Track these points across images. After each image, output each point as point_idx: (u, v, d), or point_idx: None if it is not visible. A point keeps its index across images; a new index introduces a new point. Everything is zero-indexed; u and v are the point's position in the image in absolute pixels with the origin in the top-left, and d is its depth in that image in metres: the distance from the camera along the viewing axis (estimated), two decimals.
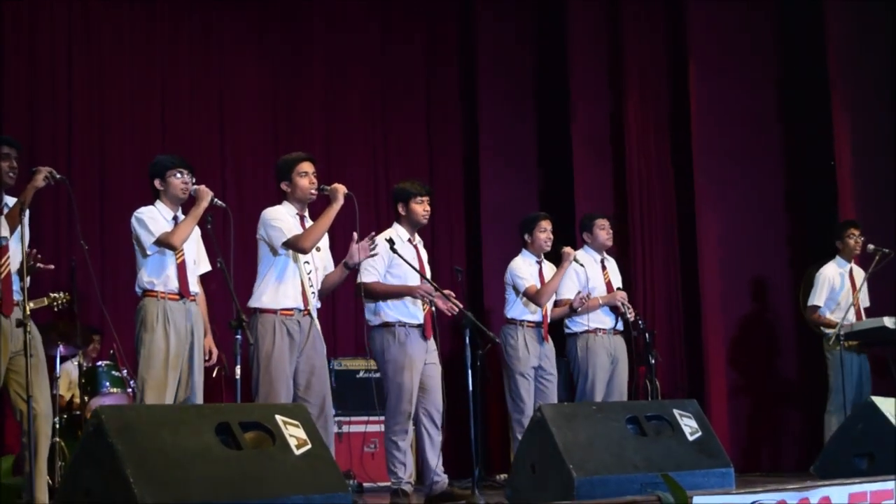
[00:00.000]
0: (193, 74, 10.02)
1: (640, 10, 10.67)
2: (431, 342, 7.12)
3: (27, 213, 5.98)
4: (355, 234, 6.54)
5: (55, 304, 7.61)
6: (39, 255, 6.31)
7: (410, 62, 11.08)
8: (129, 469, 3.87)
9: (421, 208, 7.17)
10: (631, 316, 8.35)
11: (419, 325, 7.07)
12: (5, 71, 9.15)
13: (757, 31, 10.48)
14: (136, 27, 9.81)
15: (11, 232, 5.89)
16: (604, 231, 8.49)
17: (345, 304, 9.82)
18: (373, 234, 6.63)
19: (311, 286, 6.53)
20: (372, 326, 7.12)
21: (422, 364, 7.03)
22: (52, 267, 6.30)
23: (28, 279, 6.15)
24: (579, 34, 10.74)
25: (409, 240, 7.20)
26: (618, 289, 8.42)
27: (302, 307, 6.47)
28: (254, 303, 6.48)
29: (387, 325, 7.04)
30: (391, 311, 7.04)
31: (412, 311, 7.06)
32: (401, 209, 7.23)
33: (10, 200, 6.02)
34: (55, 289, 7.91)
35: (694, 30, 10.32)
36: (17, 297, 5.99)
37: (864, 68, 9.87)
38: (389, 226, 7.79)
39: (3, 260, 5.95)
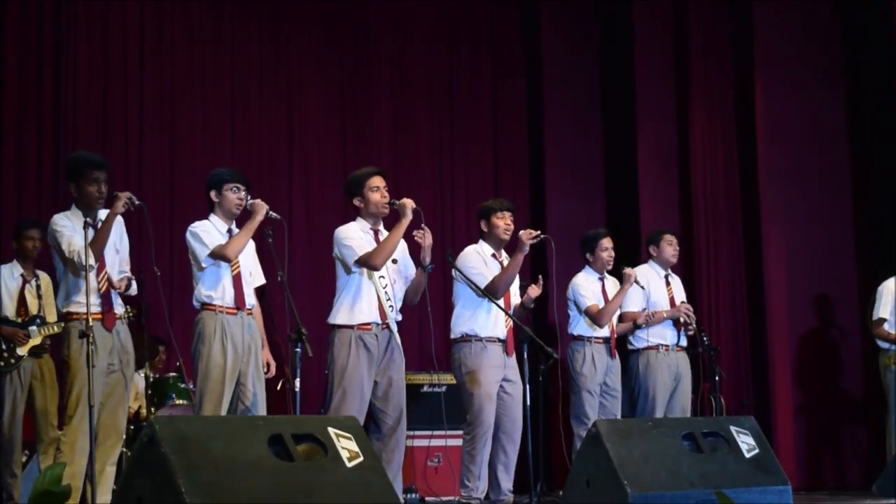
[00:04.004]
0: (262, 90, 10.14)
1: (707, 26, 10.62)
2: (512, 360, 7.14)
3: (122, 223, 6.35)
4: (423, 233, 6.59)
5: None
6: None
7: (476, 78, 11.11)
8: (181, 479, 3.92)
9: (502, 223, 7.23)
10: (692, 329, 8.30)
11: (499, 341, 7.11)
12: (80, 89, 9.33)
13: (824, 46, 10.38)
14: (206, 46, 9.95)
15: (98, 255, 6.12)
16: (671, 247, 8.45)
17: (408, 318, 9.78)
18: (423, 226, 6.61)
19: (388, 299, 6.58)
20: (452, 340, 7.19)
21: (498, 378, 7.05)
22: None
23: (134, 288, 6.52)
24: (645, 49, 10.71)
25: (494, 255, 7.25)
26: (682, 302, 8.37)
27: (379, 321, 6.52)
28: (332, 319, 6.55)
29: (464, 339, 7.11)
30: (468, 323, 7.11)
31: (491, 325, 7.10)
32: (483, 226, 7.31)
33: (103, 214, 6.24)
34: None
35: (760, 45, 10.24)
36: (118, 310, 6.29)
37: None
38: (455, 242, 7.85)
39: (101, 276, 6.19)
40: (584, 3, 11.32)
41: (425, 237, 6.59)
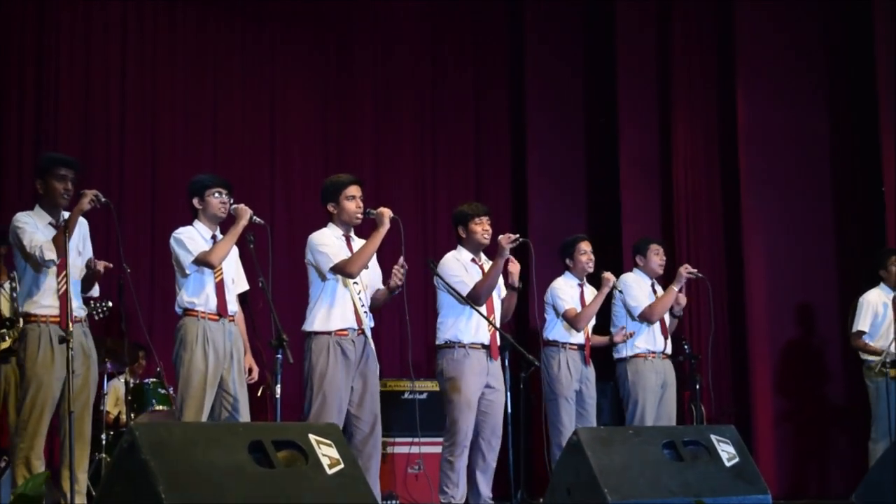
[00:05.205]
0: (245, 97, 10.13)
1: (690, 33, 10.66)
2: (495, 366, 7.11)
3: (86, 226, 6.24)
4: (401, 259, 6.59)
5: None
6: (93, 262, 6.30)
7: (459, 86, 11.13)
8: (161, 486, 3.90)
9: (480, 228, 7.20)
10: (701, 275, 8.33)
11: (483, 346, 7.08)
12: (62, 92, 9.31)
13: (806, 54, 10.42)
14: (189, 50, 9.93)
15: (58, 254, 5.99)
16: (657, 256, 8.45)
17: (389, 324, 9.85)
18: (402, 259, 6.61)
19: (363, 305, 6.58)
20: (436, 347, 7.18)
21: (480, 385, 7.03)
22: (109, 265, 6.37)
23: (97, 289, 6.42)
24: (628, 56, 10.75)
25: (474, 260, 7.23)
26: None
27: (356, 327, 6.51)
28: (307, 326, 6.53)
29: (447, 346, 7.08)
30: (451, 330, 7.08)
31: (474, 331, 7.08)
32: (461, 232, 7.28)
33: (67, 216, 6.12)
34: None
35: (742, 54, 10.28)
36: (77, 313, 6.12)
37: None
38: (436, 248, 7.82)
39: (60, 277, 6.08)
40: (567, 10, 11.34)
41: (399, 272, 6.56)
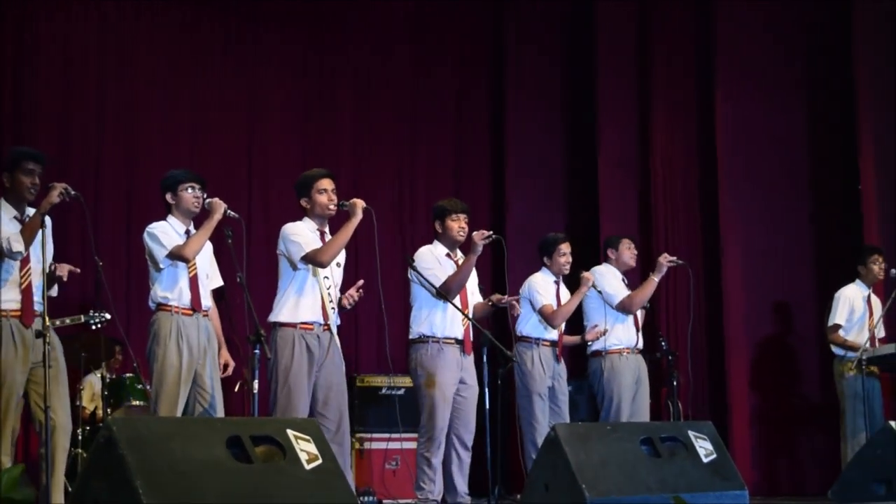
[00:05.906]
0: (223, 93, 10.10)
1: (670, 33, 10.69)
2: (469, 361, 7.12)
3: (49, 225, 6.09)
4: (360, 282, 6.61)
5: (92, 322, 7.59)
6: (53, 266, 6.21)
7: (440, 83, 11.12)
8: (139, 480, 3.89)
9: (456, 225, 7.21)
10: (681, 261, 8.34)
11: (457, 341, 7.09)
12: (41, 91, 9.28)
13: (785, 54, 10.45)
14: (167, 47, 9.91)
15: (28, 245, 5.94)
16: (629, 251, 8.47)
17: (367, 320, 9.84)
18: (361, 281, 6.64)
19: (331, 301, 6.56)
20: (410, 340, 7.17)
21: (454, 380, 7.02)
22: (76, 270, 6.31)
23: (55, 289, 6.26)
24: (608, 56, 10.78)
25: (449, 255, 7.23)
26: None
27: (322, 321, 6.49)
28: (273, 317, 6.51)
29: (421, 340, 7.08)
30: (425, 324, 7.09)
31: (448, 325, 7.08)
32: (437, 227, 7.30)
33: (32, 212, 6.07)
34: (83, 301, 7.95)
35: (722, 53, 10.31)
36: (38, 308, 6.04)
37: (893, 94, 9.81)
38: (413, 243, 7.81)
39: (24, 271, 6.02)
40: (548, 10, 11.36)
41: (350, 299, 6.60)
